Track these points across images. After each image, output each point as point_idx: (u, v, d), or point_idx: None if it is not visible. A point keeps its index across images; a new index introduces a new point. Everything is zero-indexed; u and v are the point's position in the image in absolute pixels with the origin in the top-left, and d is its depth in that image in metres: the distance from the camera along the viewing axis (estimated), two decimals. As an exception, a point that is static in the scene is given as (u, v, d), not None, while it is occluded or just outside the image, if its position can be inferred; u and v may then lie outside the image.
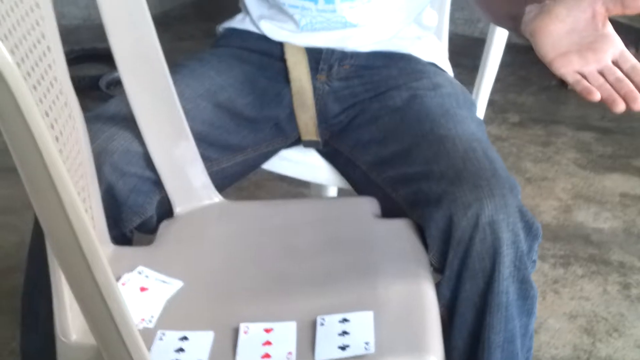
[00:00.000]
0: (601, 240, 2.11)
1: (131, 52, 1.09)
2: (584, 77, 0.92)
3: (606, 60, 0.92)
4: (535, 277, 1.46)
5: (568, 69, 0.93)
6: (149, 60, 1.10)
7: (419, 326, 0.92)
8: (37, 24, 0.91)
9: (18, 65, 0.79)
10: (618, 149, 2.66)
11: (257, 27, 1.32)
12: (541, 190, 2.36)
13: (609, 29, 0.93)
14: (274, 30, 1.31)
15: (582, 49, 0.92)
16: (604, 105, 0.90)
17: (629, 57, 0.92)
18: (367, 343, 0.87)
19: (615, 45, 0.92)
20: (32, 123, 0.70)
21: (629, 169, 2.52)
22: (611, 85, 0.90)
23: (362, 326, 0.89)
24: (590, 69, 0.92)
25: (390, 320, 0.92)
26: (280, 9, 1.29)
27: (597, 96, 0.89)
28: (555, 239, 2.10)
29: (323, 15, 1.26)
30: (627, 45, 0.93)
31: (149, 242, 1.13)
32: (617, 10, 0.92)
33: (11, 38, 0.82)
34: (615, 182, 2.43)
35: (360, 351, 0.86)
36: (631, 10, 0.91)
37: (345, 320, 0.90)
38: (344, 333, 0.89)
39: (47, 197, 0.77)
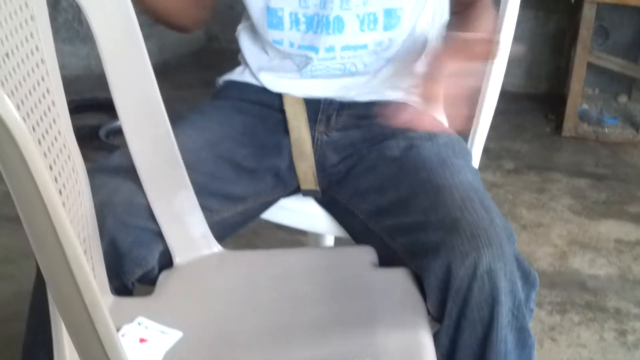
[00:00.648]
0: (597, 286, 2.12)
1: (133, 104, 1.11)
2: None
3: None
4: (532, 324, 1.46)
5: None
6: (150, 113, 1.12)
7: (417, 376, 0.93)
8: (42, 79, 0.93)
9: (24, 119, 0.81)
10: (612, 195, 2.68)
11: (257, 79, 1.35)
12: (537, 237, 2.38)
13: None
14: (273, 81, 1.34)
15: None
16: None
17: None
18: None
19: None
20: (37, 177, 0.72)
21: (623, 215, 2.54)
22: None
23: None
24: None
25: (389, 370, 0.92)
26: (281, 59, 1.31)
27: None
28: (552, 285, 2.11)
29: (323, 63, 1.29)
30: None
31: (149, 292, 1.13)
32: None
33: (17, 94, 0.84)
34: (610, 229, 2.45)
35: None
36: None
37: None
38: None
39: (51, 249, 0.78)
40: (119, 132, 1.13)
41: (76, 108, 2.93)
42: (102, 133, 2.83)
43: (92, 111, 3.02)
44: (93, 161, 1.11)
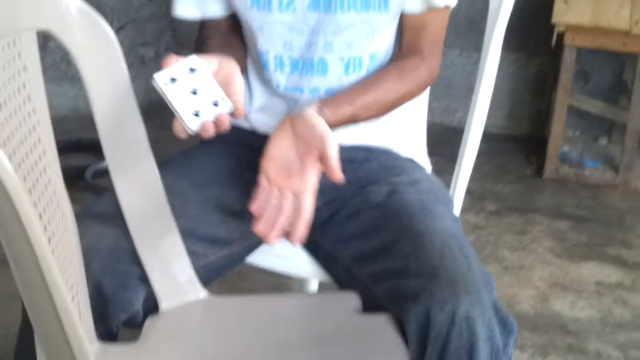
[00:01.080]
0: (578, 329, 2.14)
1: (120, 148, 1.14)
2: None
3: (286, 188, 1.08)
4: (513, 369, 1.46)
5: (267, 170, 1.10)
6: (137, 156, 1.15)
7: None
8: (34, 128, 0.96)
9: (15, 170, 0.83)
10: (593, 237, 2.72)
11: (245, 121, 1.37)
12: (519, 279, 2.40)
13: (309, 174, 1.08)
14: (262, 121, 1.36)
15: (284, 166, 1.09)
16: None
17: (303, 202, 1.06)
18: None
19: (302, 186, 1.08)
20: (28, 228, 0.74)
21: (604, 257, 2.57)
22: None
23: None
24: (275, 184, 1.09)
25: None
26: (270, 98, 1.34)
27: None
28: (534, 328, 2.13)
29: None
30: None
31: (133, 337, 1.14)
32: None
33: (9, 145, 0.87)
34: (591, 271, 2.47)
35: None
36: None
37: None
38: None
39: (40, 299, 0.80)
40: (105, 173, 1.15)
41: (62, 149, 2.88)
42: (88, 174, 2.84)
43: (78, 152, 3.02)
44: (79, 202, 1.12)
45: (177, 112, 1.03)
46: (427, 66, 1.32)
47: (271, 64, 1.31)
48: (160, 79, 1.04)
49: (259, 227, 1.08)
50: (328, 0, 1.26)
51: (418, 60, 1.31)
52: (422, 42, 1.32)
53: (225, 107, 1.06)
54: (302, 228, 1.06)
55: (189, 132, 1.04)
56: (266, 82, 1.34)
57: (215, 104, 1.05)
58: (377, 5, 1.27)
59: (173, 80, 1.04)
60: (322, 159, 1.06)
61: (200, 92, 1.05)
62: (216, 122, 1.05)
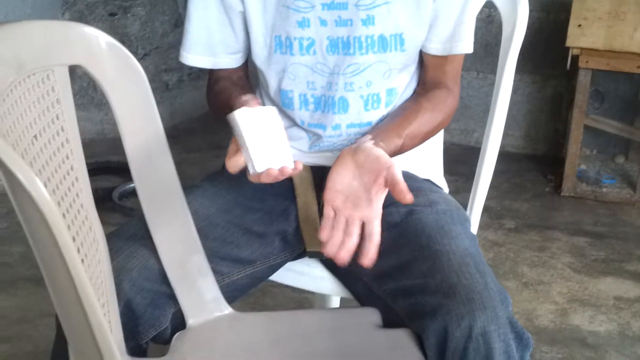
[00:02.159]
0: (597, 343, 2.16)
1: (148, 172, 1.18)
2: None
3: (354, 217, 1.12)
4: (534, 381, 1.47)
5: (333, 202, 1.13)
6: (164, 180, 1.19)
7: None
8: (67, 157, 1.01)
9: (50, 195, 0.88)
10: (611, 253, 2.73)
11: None
12: (538, 294, 2.43)
13: (377, 202, 1.12)
14: None
15: (350, 197, 1.12)
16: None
17: (373, 228, 1.11)
18: None
19: (372, 214, 1.11)
20: (64, 249, 0.79)
21: (622, 272, 2.59)
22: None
23: None
24: (343, 214, 1.13)
25: None
26: (294, 129, 1.39)
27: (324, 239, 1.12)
28: (553, 342, 2.15)
29: (330, 140, 1.37)
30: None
31: (161, 352, 1.19)
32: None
33: (44, 172, 0.92)
34: (609, 286, 2.49)
35: None
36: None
37: None
38: None
39: (75, 317, 0.84)
40: (132, 193, 1.20)
41: (90, 171, 2.97)
42: (115, 195, 2.90)
43: (105, 174, 3.10)
44: (107, 223, 1.16)
45: (248, 150, 1.08)
46: (453, 97, 1.38)
47: (296, 102, 1.36)
48: (240, 116, 1.09)
49: (330, 251, 1.12)
50: (347, 43, 1.31)
51: (445, 93, 1.37)
52: (445, 77, 1.38)
53: (290, 163, 1.11)
54: (374, 250, 1.11)
55: (251, 171, 1.09)
56: (288, 119, 1.39)
57: (283, 156, 1.10)
58: (394, 47, 1.32)
59: (251, 121, 1.09)
60: (392, 185, 1.10)
61: (272, 141, 1.10)
62: (278, 172, 1.10)
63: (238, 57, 1.39)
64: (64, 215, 0.93)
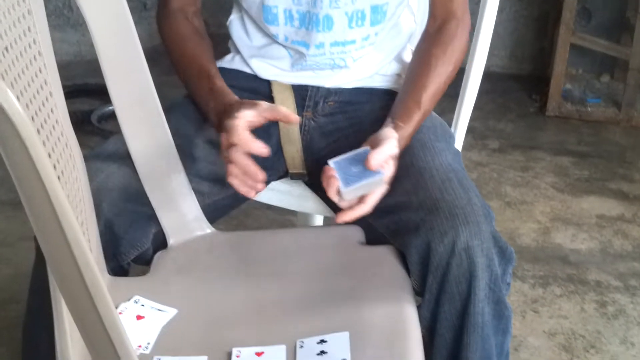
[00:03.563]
0: (579, 260, 2.18)
1: (126, 91, 1.16)
2: None
3: None
4: (515, 297, 1.50)
5: None
6: (143, 99, 1.17)
7: (402, 346, 0.98)
8: (40, 71, 0.98)
9: (24, 109, 0.85)
10: (594, 172, 2.74)
11: (247, 66, 1.39)
12: (521, 214, 2.44)
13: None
14: (264, 68, 1.38)
15: None
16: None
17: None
18: None
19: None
20: (38, 164, 0.76)
21: (605, 191, 2.60)
22: None
23: (339, 345, 0.96)
24: None
25: (373, 340, 0.98)
26: (275, 47, 1.35)
27: None
28: (535, 260, 2.17)
29: (313, 59, 1.33)
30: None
31: (144, 273, 1.18)
32: None
33: (17, 85, 0.89)
34: (592, 205, 2.51)
35: (338, 368, 0.92)
36: None
37: (323, 341, 0.97)
38: (322, 353, 0.95)
39: (53, 234, 0.82)
40: (111, 116, 1.18)
41: (68, 94, 2.92)
42: (94, 118, 2.86)
43: (83, 96, 3.06)
44: (86, 146, 1.14)
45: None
46: (463, 27, 1.32)
47: (281, 18, 1.31)
48: None
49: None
50: None
51: (454, 25, 1.31)
52: (453, 4, 1.31)
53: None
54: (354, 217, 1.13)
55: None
56: (270, 35, 1.36)
57: None
58: None
59: None
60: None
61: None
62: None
63: None
64: (38, 131, 0.91)
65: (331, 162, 1.12)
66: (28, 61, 0.94)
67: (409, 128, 1.22)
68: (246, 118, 1.12)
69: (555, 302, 1.98)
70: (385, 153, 1.12)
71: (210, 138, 1.30)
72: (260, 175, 1.13)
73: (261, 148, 1.11)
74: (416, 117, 1.24)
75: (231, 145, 1.11)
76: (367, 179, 1.10)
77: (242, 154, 1.12)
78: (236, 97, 1.23)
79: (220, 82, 1.27)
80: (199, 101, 1.30)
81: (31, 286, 1.22)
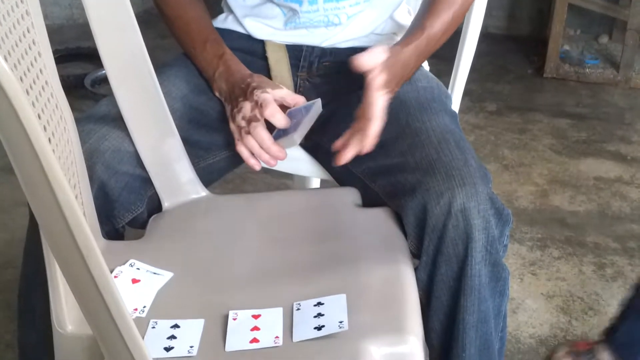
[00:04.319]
0: (577, 222, 2.18)
1: (118, 54, 1.13)
2: None
3: None
4: (513, 260, 1.49)
5: None
6: (135, 61, 1.15)
7: (399, 308, 0.97)
8: (28, 30, 0.96)
9: (12, 70, 0.84)
10: (592, 134, 2.73)
11: (241, 26, 1.37)
12: (518, 176, 2.43)
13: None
14: (257, 27, 1.35)
15: None
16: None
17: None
18: (341, 322, 0.92)
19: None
20: (27, 125, 0.75)
21: (602, 153, 2.59)
22: None
23: (336, 308, 0.95)
24: None
25: (371, 303, 0.97)
26: (268, 6, 1.33)
27: None
28: (533, 222, 2.16)
29: (306, 15, 1.31)
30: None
31: (139, 237, 1.17)
32: None
33: (4, 46, 0.87)
34: (590, 167, 2.50)
35: (334, 329, 0.91)
36: None
37: (320, 303, 0.96)
38: (319, 315, 0.94)
39: (44, 196, 0.81)
40: (104, 80, 1.16)
41: (61, 58, 2.93)
42: (87, 82, 2.84)
43: (76, 60, 3.03)
44: (79, 110, 1.12)
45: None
46: None
47: None
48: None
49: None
50: None
51: None
52: None
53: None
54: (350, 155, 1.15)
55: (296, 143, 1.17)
56: None
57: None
58: None
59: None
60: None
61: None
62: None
63: None
64: (27, 91, 0.89)
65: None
66: (15, 20, 0.92)
67: (407, 50, 1.18)
68: (281, 95, 1.18)
69: (553, 264, 1.98)
70: (370, 53, 1.12)
71: (204, 100, 1.28)
72: (282, 154, 1.17)
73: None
74: (417, 40, 1.20)
75: (255, 118, 1.12)
76: (306, 115, 1.14)
77: (264, 129, 1.15)
78: (249, 71, 1.25)
79: (228, 50, 1.28)
80: (202, 65, 1.29)
81: (25, 251, 1.21)
